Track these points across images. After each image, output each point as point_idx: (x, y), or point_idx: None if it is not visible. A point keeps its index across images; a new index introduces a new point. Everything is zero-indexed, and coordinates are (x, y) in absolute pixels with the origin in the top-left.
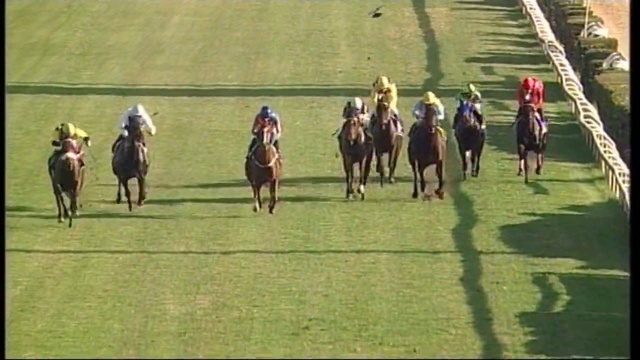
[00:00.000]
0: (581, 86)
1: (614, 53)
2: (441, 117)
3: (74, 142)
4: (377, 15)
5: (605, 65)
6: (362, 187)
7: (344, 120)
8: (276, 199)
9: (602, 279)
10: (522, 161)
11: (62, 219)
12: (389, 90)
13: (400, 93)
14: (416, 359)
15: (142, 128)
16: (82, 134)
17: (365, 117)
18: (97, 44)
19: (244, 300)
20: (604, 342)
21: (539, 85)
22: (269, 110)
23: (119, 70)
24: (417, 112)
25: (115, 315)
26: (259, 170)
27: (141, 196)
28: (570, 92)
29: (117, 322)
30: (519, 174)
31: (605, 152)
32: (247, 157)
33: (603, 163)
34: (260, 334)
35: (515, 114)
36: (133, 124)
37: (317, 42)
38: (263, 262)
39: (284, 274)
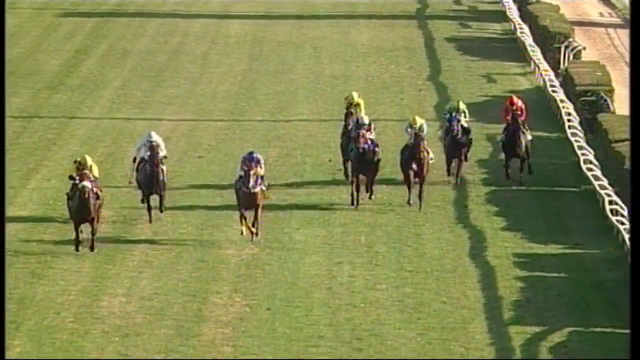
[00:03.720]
0: (518, 12)
1: None
2: (425, 133)
3: (90, 175)
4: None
5: None
6: (367, 195)
7: (354, 133)
8: (259, 225)
9: (532, 129)
10: (508, 166)
11: (79, 249)
12: (358, 104)
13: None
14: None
15: (161, 154)
16: (96, 171)
17: (371, 135)
18: None
19: (301, 151)
20: (534, 177)
21: (521, 103)
22: (254, 154)
23: (218, 3)
24: (408, 131)
25: (216, 160)
26: (245, 195)
27: (161, 208)
28: (511, 16)
29: (216, 165)
30: (507, 178)
31: (533, 55)
32: (236, 188)
33: (532, 62)
34: (310, 174)
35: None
36: (153, 151)
37: None
38: (312, 127)
39: (326, 134)
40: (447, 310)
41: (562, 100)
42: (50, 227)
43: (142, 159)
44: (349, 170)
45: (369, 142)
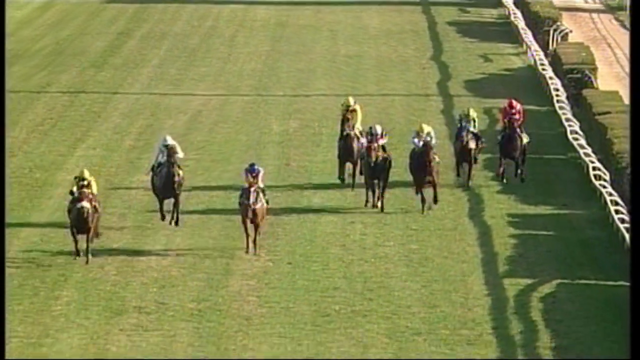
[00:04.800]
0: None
1: None
2: (434, 142)
3: (88, 192)
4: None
5: None
6: (379, 203)
7: (366, 144)
8: (257, 244)
9: (524, 103)
10: (502, 167)
11: (77, 257)
12: (354, 110)
13: None
14: None
15: (176, 156)
16: (94, 186)
17: (383, 142)
18: None
19: (318, 122)
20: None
21: (520, 106)
22: (255, 167)
23: None
24: (415, 141)
25: (243, 131)
26: (245, 208)
27: (175, 213)
28: (505, 3)
29: (243, 135)
30: (501, 179)
31: (525, 36)
32: (240, 203)
33: (524, 43)
34: (326, 143)
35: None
36: (169, 152)
37: None
38: (329, 101)
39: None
40: (448, 265)
41: (550, 77)
42: None
43: (159, 163)
44: (353, 174)
45: (380, 153)
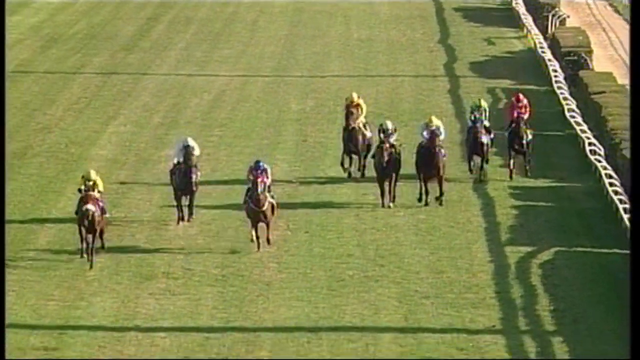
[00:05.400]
0: None
1: None
2: (442, 137)
3: (94, 194)
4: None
5: None
6: (391, 204)
7: (378, 143)
8: (270, 239)
9: (525, 83)
10: (512, 162)
11: (84, 256)
12: (358, 105)
13: None
14: None
15: (194, 156)
16: (100, 185)
17: (393, 139)
18: None
19: (333, 101)
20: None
21: (526, 101)
22: (260, 164)
23: None
24: (423, 134)
25: (263, 109)
26: (254, 212)
27: (190, 211)
28: None
29: (264, 113)
30: (510, 173)
31: (526, 21)
32: (245, 202)
33: (525, 28)
34: (340, 121)
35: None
36: (187, 153)
37: None
38: (342, 81)
39: (354, 88)
40: (454, 233)
41: (549, 60)
42: (125, 165)
43: (178, 162)
44: (357, 167)
45: (390, 151)
